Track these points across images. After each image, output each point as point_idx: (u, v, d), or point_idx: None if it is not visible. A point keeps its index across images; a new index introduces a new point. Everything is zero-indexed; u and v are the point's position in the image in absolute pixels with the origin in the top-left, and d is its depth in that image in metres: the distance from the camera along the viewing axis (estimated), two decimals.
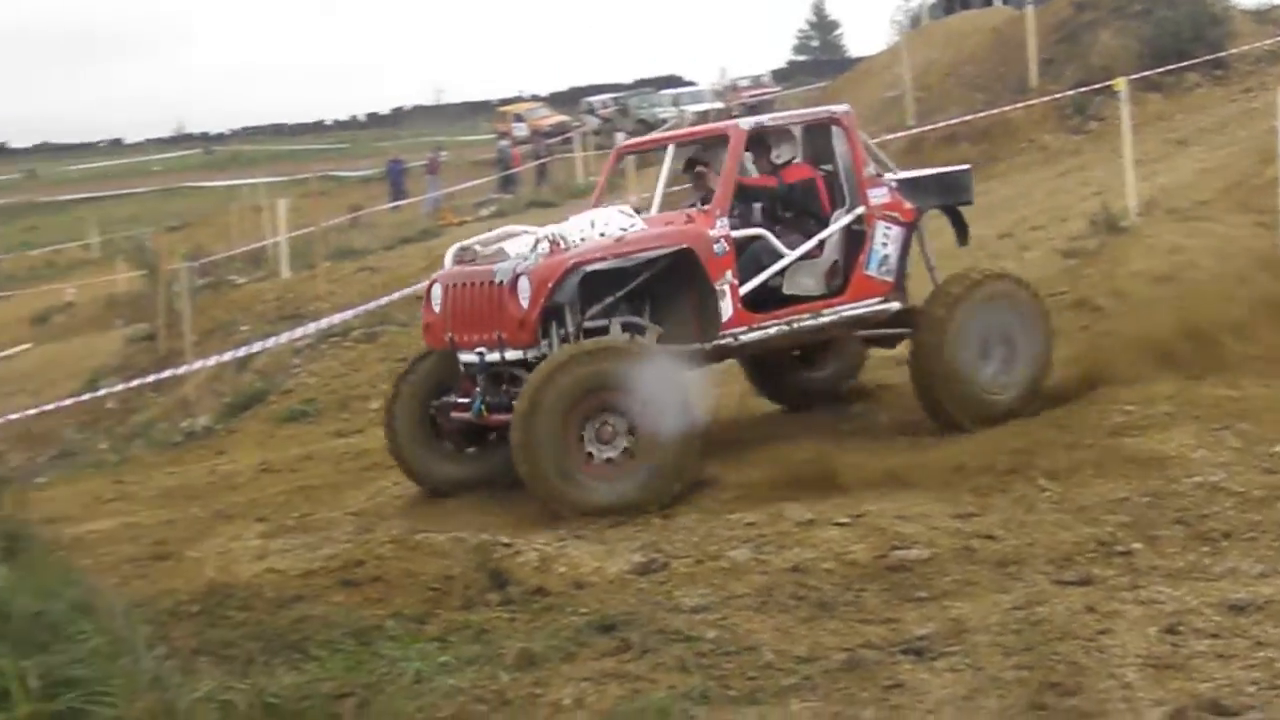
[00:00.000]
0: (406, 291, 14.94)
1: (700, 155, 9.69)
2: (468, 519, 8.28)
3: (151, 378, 15.99)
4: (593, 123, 43.43)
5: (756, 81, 48.44)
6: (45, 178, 63.19)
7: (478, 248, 9.09)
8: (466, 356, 8.75)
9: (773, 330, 9.03)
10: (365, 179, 43.25)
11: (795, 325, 9.10)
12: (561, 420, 8.06)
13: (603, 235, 8.77)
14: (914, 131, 20.79)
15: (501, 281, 8.49)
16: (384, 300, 15.48)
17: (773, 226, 9.25)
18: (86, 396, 16.91)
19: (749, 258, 9.05)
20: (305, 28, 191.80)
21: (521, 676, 5.56)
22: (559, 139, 39.11)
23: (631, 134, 32.55)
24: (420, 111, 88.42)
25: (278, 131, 79.68)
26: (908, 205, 9.35)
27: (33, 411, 14.69)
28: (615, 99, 47.98)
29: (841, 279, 9.29)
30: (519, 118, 45.35)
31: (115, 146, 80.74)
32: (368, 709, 5.26)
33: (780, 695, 5.21)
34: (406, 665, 5.66)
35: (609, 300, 8.70)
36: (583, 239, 8.73)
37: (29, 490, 10.88)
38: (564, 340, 8.41)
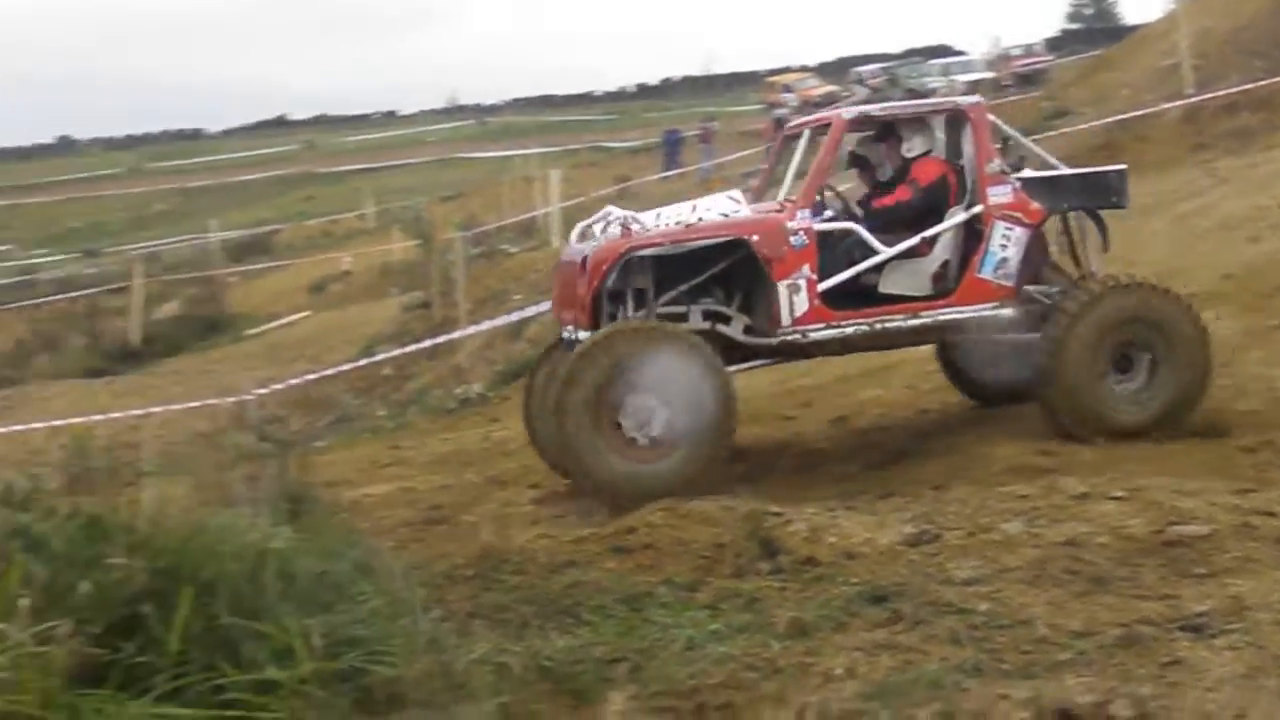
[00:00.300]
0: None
1: (861, 147, 9.62)
2: (737, 488, 8.29)
3: (426, 344, 16.51)
4: (862, 93, 43.05)
5: (1029, 50, 46.99)
6: (323, 149, 65.97)
7: (595, 228, 9.15)
8: (565, 335, 9.06)
9: (849, 330, 8.78)
10: (634, 150, 43.72)
11: (879, 326, 8.81)
12: (592, 407, 8.25)
13: (679, 220, 8.85)
14: (1192, 100, 19.90)
15: (580, 262, 8.69)
16: None
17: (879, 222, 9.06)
18: (363, 363, 17.59)
19: (843, 252, 8.88)
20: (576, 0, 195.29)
21: (793, 645, 5.53)
22: (828, 110, 39.04)
23: None
24: (689, 82, 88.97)
25: (547, 102, 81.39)
26: (1034, 205, 8.90)
27: (312, 377, 15.36)
28: (884, 69, 47.40)
29: (952, 280, 8.94)
30: (788, 88, 45.26)
31: (390, 118, 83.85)
32: (640, 674, 5.32)
33: (1055, 670, 5.08)
34: (678, 632, 5.70)
35: (684, 286, 8.74)
36: (660, 223, 8.83)
37: (310, 454, 11.40)
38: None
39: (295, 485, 6.92)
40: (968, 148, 9.01)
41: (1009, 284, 8.85)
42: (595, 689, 5.23)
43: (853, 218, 9.12)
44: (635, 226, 8.77)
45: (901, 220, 8.97)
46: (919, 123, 9.29)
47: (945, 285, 8.94)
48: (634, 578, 6.60)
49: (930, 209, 9.02)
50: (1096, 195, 9.15)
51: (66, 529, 5.41)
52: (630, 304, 8.69)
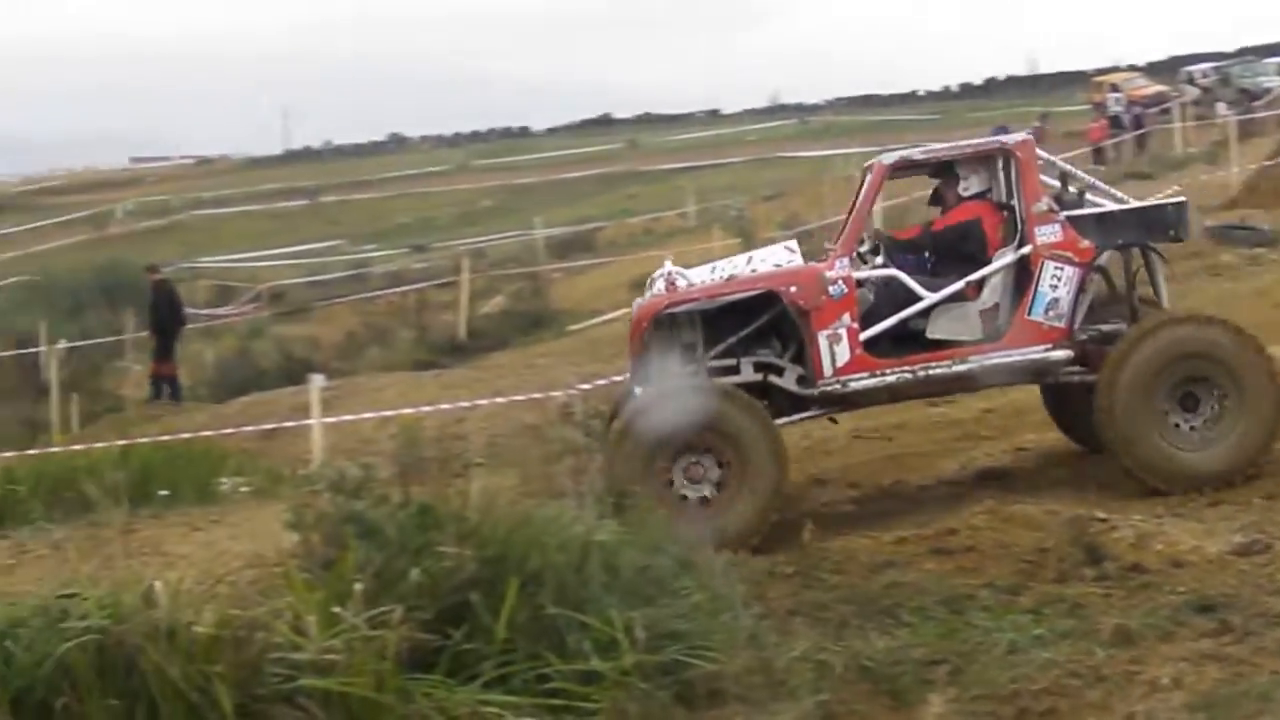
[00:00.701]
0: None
1: (941, 184, 9.35)
2: (1061, 493, 8.14)
3: None
4: (1192, 93, 41.02)
5: None
6: (646, 147, 67.24)
7: (653, 283, 9.21)
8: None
9: (892, 378, 8.59)
10: None
11: (924, 373, 8.60)
12: (645, 468, 8.17)
13: (730, 274, 8.91)
14: None
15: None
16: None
17: (925, 266, 8.93)
18: None
19: (886, 299, 8.78)
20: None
21: (1117, 653, 5.47)
22: (1157, 110, 37.87)
23: (1232, 104, 30.48)
24: (1013, 82, 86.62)
25: (869, 102, 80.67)
26: (1084, 244, 8.59)
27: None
28: (1216, 68, 45.03)
29: (1003, 323, 8.68)
30: (1115, 87, 43.53)
31: (713, 117, 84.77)
32: (960, 677, 5.33)
33: None
34: (999, 635, 5.69)
35: (732, 339, 8.72)
36: (715, 276, 8.94)
37: None
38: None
39: (617, 480, 7.18)
40: (1016, 187, 8.78)
41: (1061, 325, 8.57)
42: (915, 690, 5.26)
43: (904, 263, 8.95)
44: (681, 282, 8.89)
45: (915, 260, 8.97)
46: (980, 161, 9.06)
47: (996, 328, 8.72)
48: (955, 580, 6.60)
49: (951, 251, 8.87)
50: (1153, 230, 8.83)
51: (398, 517, 5.77)
52: (679, 358, 8.74)
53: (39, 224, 50.74)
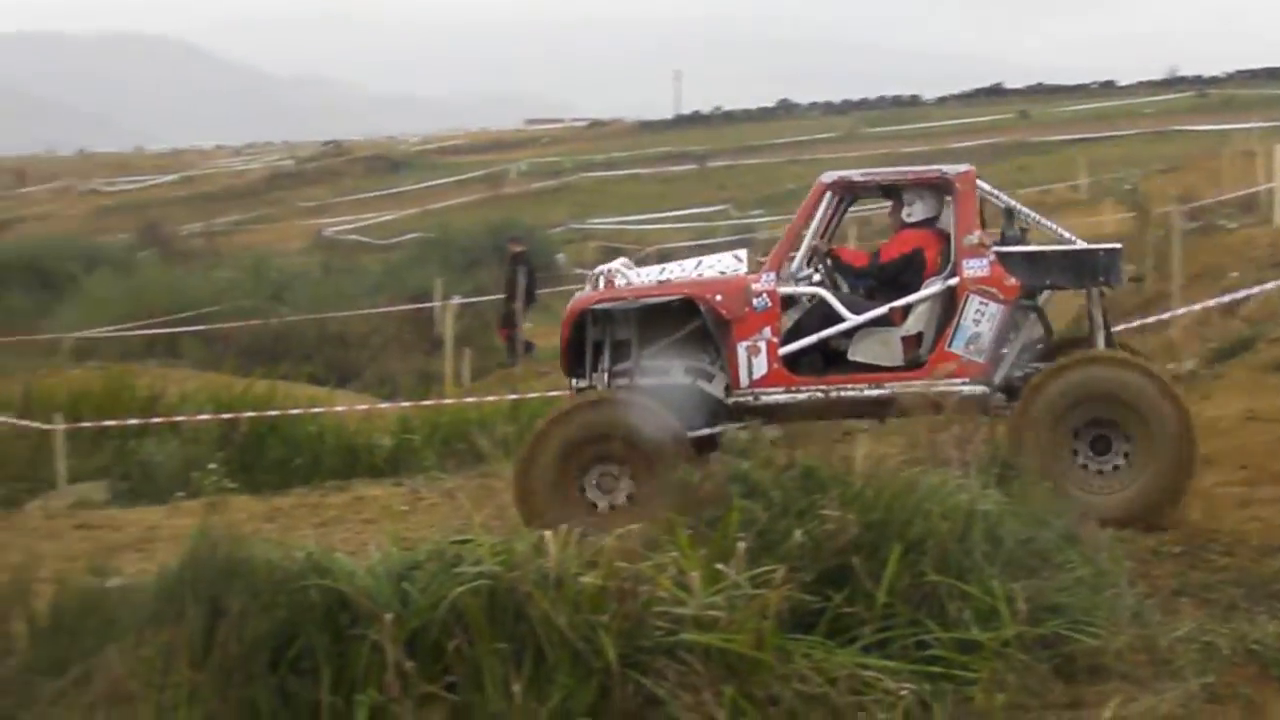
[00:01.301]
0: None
1: (892, 206, 9.24)
2: None
3: (1137, 322, 16.17)
4: None
5: None
6: (1037, 118, 65.19)
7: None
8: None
9: (804, 396, 8.61)
10: None
11: (836, 394, 8.61)
12: (558, 469, 8.37)
13: (676, 277, 8.96)
14: None
15: None
16: None
17: (860, 288, 8.96)
18: None
19: (811, 317, 8.80)
20: None
21: None
22: None
23: None
24: None
25: (1273, 75, 75.58)
26: (1010, 281, 8.45)
27: None
28: None
29: (924, 353, 8.63)
30: None
31: (1107, 88, 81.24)
32: None
33: None
34: None
35: (664, 341, 8.78)
36: (666, 277, 9.00)
37: None
38: (598, 376, 8.83)
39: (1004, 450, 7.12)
40: (952, 217, 8.74)
41: (980, 360, 8.47)
42: None
43: (835, 283, 9.05)
44: (620, 280, 8.97)
45: (866, 286, 8.99)
46: (925, 188, 9.00)
47: (917, 357, 8.68)
48: None
49: (892, 281, 8.86)
50: (1081, 274, 8.74)
51: (783, 479, 5.94)
52: (607, 356, 8.89)
53: (437, 182, 53.50)
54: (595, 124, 76.39)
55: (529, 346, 19.84)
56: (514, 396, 13.48)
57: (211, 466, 11.40)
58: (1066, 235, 9.22)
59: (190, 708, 5.06)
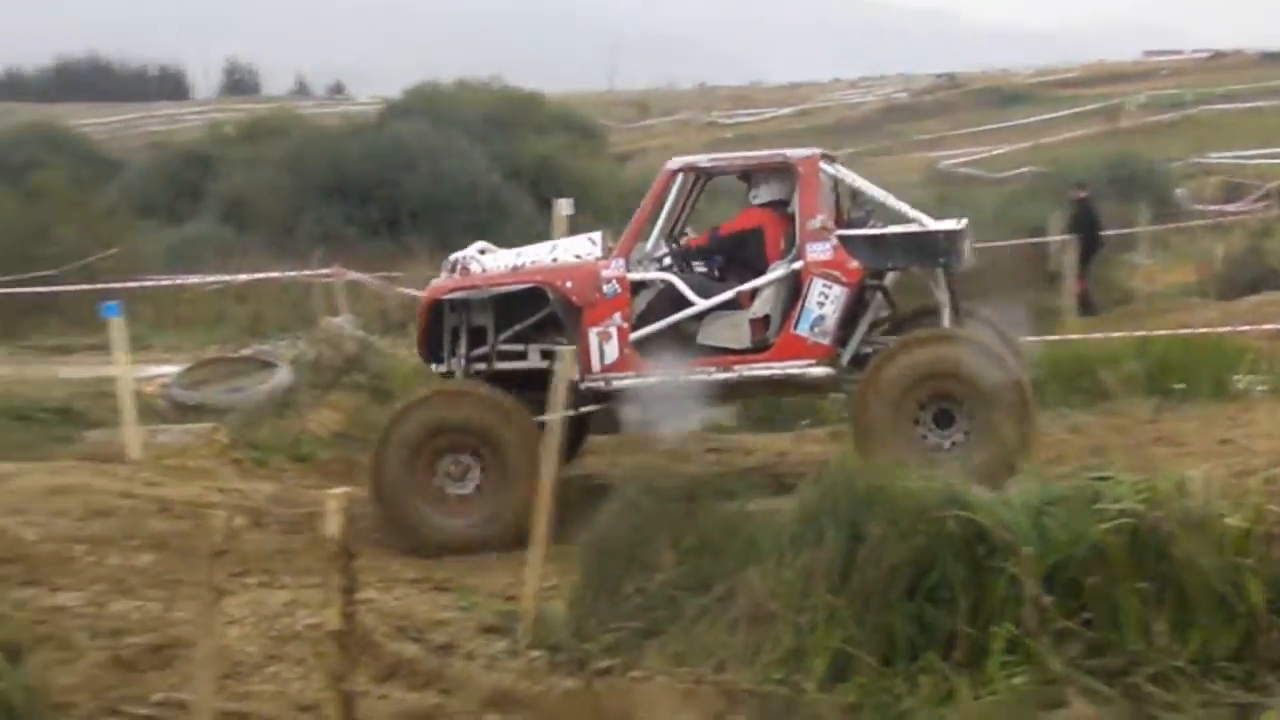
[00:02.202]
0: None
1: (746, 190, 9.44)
2: None
3: None
4: None
5: None
6: None
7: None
8: None
9: (652, 382, 8.72)
10: None
11: (685, 379, 8.71)
12: (410, 457, 8.53)
13: (531, 262, 9.10)
14: None
15: None
16: None
17: (714, 273, 9.12)
18: None
19: (661, 302, 8.92)
20: None
21: None
22: None
23: None
24: None
25: None
26: (853, 264, 8.65)
27: None
28: None
29: (772, 335, 8.80)
30: None
31: None
32: None
33: None
34: None
35: (519, 327, 8.98)
36: (521, 262, 9.13)
37: None
38: (456, 362, 9.01)
39: None
40: (796, 201, 8.83)
41: (825, 342, 8.66)
42: None
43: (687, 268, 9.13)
44: (475, 266, 9.08)
45: (706, 265, 9.18)
46: (773, 172, 9.13)
47: (764, 340, 8.81)
48: None
49: (734, 257, 9.08)
50: (922, 255, 8.87)
51: None
52: (464, 343, 8.98)
53: (1051, 115, 52.49)
54: (1216, 55, 71.91)
55: (1087, 305, 19.26)
56: (1141, 334, 13.14)
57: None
58: (915, 216, 9.07)
59: (828, 629, 5.32)
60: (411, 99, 40.35)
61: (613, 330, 8.93)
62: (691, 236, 9.59)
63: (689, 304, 8.98)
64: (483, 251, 9.54)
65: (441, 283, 9.26)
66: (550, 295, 8.92)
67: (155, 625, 5.28)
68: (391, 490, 8.66)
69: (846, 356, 8.89)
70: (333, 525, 3.72)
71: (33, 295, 24.50)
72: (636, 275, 9.06)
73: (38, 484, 8.94)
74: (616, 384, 8.95)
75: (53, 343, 21.17)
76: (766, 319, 8.95)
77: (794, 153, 9.25)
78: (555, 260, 9.25)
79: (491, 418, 8.64)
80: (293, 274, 18.96)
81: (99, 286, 24.10)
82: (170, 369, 15.21)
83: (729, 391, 9.19)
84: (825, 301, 8.72)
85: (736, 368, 8.87)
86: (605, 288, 8.97)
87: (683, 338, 9.03)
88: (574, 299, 8.93)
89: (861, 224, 9.12)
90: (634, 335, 8.92)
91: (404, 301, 17.46)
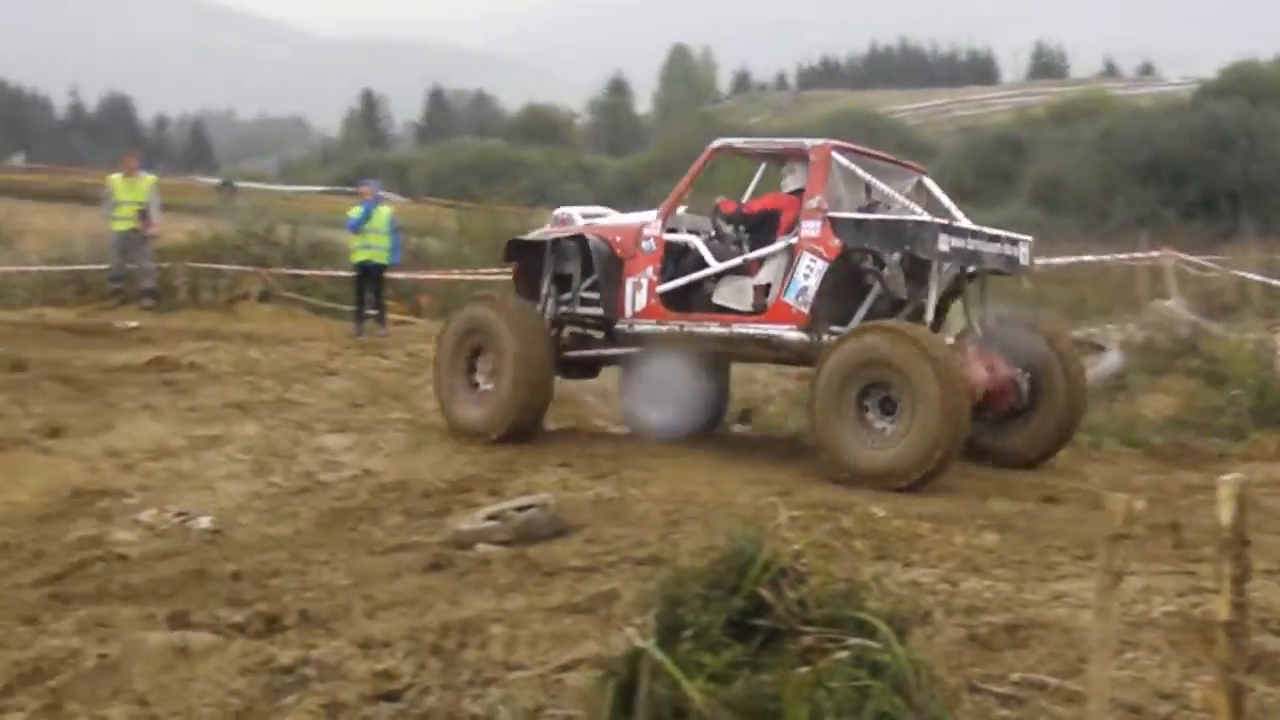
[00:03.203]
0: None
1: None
2: None
3: None
4: None
5: None
6: None
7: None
8: None
9: (665, 329, 10.23)
10: None
11: (689, 330, 10.13)
12: (453, 357, 10.87)
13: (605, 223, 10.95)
14: None
15: None
16: None
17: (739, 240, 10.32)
18: None
19: (686, 261, 10.34)
20: None
21: None
22: None
23: None
24: None
25: None
26: (834, 242, 9.50)
27: None
28: None
29: (770, 300, 9.81)
30: None
31: None
32: None
33: None
34: None
35: (595, 275, 10.61)
36: (584, 221, 11.01)
37: None
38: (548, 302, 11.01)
39: None
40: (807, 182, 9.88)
41: (805, 310, 9.57)
42: None
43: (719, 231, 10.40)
44: (577, 220, 11.05)
45: (735, 232, 10.37)
46: (795, 159, 10.18)
47: (763, 304, 9.84)
48: None
49: (754, 232, 10.20)
50: (891, 241, 9.40)
51: None
52: (549, 284, 10.94)
53: None
54: None
55: None
56: None
57: None
58: (915, 210, 9.76)
59: None
60: (1227, 79, 38.53)
61: (645, 281, 10.39)
62: (723, 200, 10.61)
63: (704, 265, 10.27)
64: (599, 215, 11.35)
65: (533, 233, 11.40)
66: (601, 248, 10.55)
67: (1008, 605, 5.20)
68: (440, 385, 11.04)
69: (825, 333, 9.62)
70: (1226, 512, 3.36)
71: None
72: (670, 236, 10.46)
73: None
74: (638, 329, 10.43)
75: None
76: (768, 286, 9.94)
77: (811, 141, 10.25)
78: (616, 223, 10.95)
79: (501, 329, 10.56)
80: (1116, 256, 18.50)
81: None
82: None
83: (725, 346, 10.35)
84: (809, 274, 9.63)
85: (734, 325, 10.03)
86: (644, 244, 10.46)
87: (700, 295, 10.32)
88: (619, 252, 10.54)
89: (866, 212, 9.97)
90: (660, 288, 10.33)
91: (1235, 284, 16.56)
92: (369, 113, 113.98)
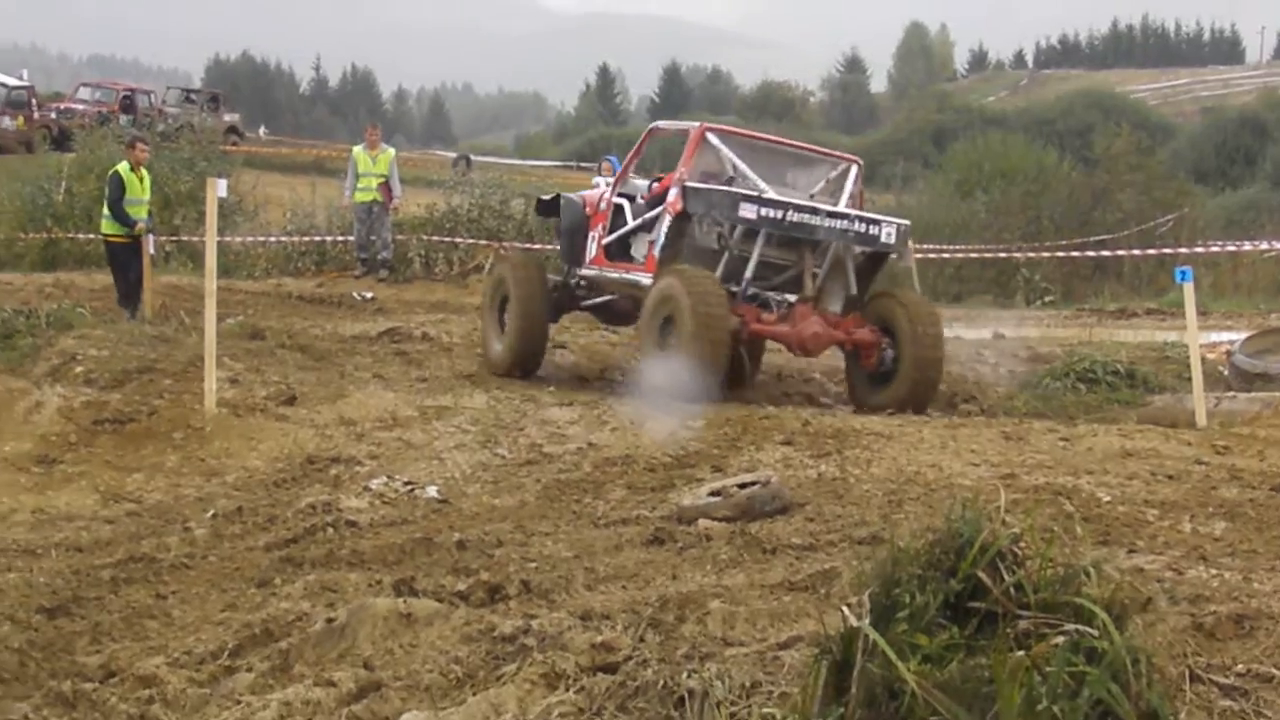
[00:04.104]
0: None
1: None
2: None
3: None
4: None
5: None
6: None
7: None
8: None
9: (593, 273, 12.97)
10: None
11: (605, 275, 12.81)
12: (490, 304, 13.42)
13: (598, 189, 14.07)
14: None
15: None
16: None
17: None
18: None
19: (619, 220, 12.85)
20: None
21: None
22: None
23: None
24: None
25: None
26: (680, 205, 11.82)
27: None
28: None
29: (645, 254, 12.32)
30: None
31: None
32: None
33: None
34: None
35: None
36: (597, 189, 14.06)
37: None
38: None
39: None
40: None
41: (659, 258, 11.97)
42: None
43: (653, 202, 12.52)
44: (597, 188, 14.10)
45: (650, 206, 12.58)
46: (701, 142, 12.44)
47: (651, 256, 12.13)
48: None
49: (656, 203, 12.40)
50: (714, 209, 11.76)
51: None
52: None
53: None
54: None
55: None
56: None
57: None
58: (756, 182, 12.03)
59: None
60: None
61: (598, 235, 12.91)
62: (664, 177, 12.70)
63: (625, 224, 12.69)
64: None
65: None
66: (573, 206, 13.35)
67: (1235, 594, 4.99)
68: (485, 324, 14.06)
69: (740, 297, 11.73)
70: None
71: (1092, 259, 25.01)
72: (616, 199, 12.89)
73: (1109, 446, 8.99)
74: (585, 273, 13.08)
75: (1112, 306, 21.52)
76: (654, 242, 12.16)
77: (690, 124, 12.92)
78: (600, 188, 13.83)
79: (516, 276, 13.30)
80: None
81: (1157, 252, 24.06)
82: (1232, 336, 14.91)
83: (628, 289, 12.56)
84: (664, 231, 11.99)
85: (629, 274, 12.45)
86: (602, 205, 13.03)
87: (625, 248, 12.70)
88: (588, 210, 13.20)
89: (728, 184, 12.08)
90: (604, 240, 12.80)
91: None
92: (605, 88, 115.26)
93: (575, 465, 8.99)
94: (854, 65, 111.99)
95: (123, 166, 15.87)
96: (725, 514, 6.99)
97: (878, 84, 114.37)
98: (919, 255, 20.75)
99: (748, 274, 11.70)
